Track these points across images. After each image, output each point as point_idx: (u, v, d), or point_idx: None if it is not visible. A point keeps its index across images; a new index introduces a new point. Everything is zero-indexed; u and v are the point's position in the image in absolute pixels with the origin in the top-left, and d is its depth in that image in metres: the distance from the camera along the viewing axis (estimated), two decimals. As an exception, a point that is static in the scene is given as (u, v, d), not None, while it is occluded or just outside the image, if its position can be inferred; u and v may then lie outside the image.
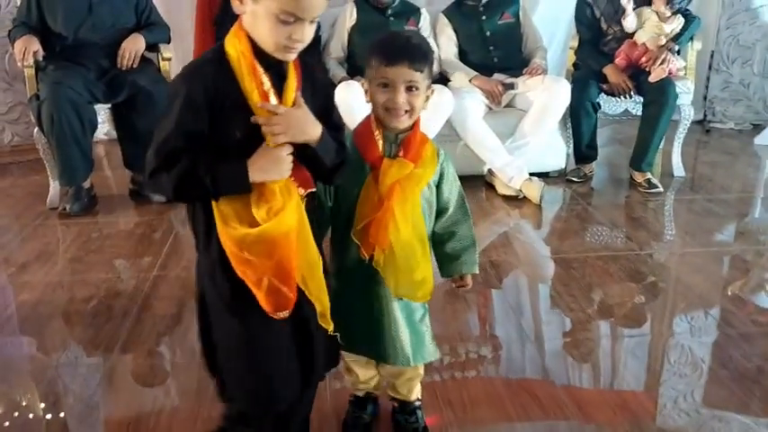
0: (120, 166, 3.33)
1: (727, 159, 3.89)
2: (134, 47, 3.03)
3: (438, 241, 1.41)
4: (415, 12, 3.52)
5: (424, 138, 1.33)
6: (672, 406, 1.66)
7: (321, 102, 1.18)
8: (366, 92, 1.30)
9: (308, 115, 1.12)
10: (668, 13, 3.16)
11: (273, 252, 1.09)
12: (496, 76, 3.37)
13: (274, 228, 1.08)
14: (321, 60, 3.46)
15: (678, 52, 3.29)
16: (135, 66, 3.04)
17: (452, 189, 1.38)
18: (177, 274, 2.44)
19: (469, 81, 3.30)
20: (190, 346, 1.97)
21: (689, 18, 3.22)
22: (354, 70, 3.38)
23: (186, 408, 1.67)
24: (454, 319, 2.13)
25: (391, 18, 3.44)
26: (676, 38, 3.20)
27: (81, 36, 3.00)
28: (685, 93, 3.28)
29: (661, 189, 3.23)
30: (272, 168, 1.09)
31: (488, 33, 3.44)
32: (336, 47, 3.52)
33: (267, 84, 1.09)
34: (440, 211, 1.39)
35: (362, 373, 1.51)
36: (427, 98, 1.30)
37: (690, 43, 3.34)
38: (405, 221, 1.28)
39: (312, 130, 1.12)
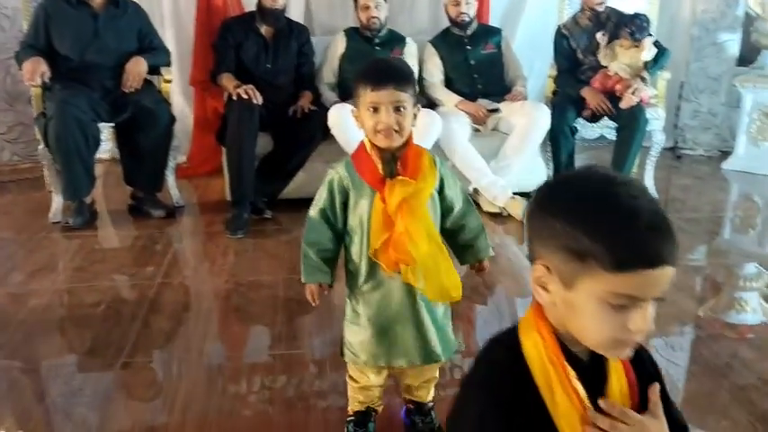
0: (119, 184, 3.45)
1: (698, 183, 4.11)
2: (137, 69, 3.18)
3: (450, 235, 1.52)
4: (401, 41, 3.71)
5: (419, 150, 1.42)
6: None
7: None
8: (356, 118, 1.40)
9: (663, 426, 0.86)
10: (634, 44, 3.38)
11: None
12: (480, 101, 3.58)
13: None
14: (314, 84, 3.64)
15: (644, 80, 3.49)
16: (139, 87, 3.18)
17: (455, 190, 1.49)
18: (180, 281, 2.57)
19: (455, 105, 3.50)
20: (197, 346, 2.09)
21: (660, 49, 3.45)
22: (346, 95, 3.55)
23: (197, 404, 1.79)
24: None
25: (377, 47, 3.63)
26: (647, 67, 3.42)
27: (87, 59, 3.14)
28: (656, 119, 3.50)
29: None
30: None
31: (473, 62, 3.65)
32: (328, 73, 3.71)
33: (581, 390, 0.82)
34: (447, 211, 1.49)
35: (374, 378, 1.56)
36: (414, 116, 1.39)
37: (660, 73, 3.57)
38: (420, 236, 1.36)
39: None
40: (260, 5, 3.41)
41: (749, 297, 2.48)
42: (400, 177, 1.37)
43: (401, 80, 1.35)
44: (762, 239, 3.26)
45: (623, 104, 3.32)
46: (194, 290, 2.50)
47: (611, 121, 3.51)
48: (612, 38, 3.47)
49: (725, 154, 4.57)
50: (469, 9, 3.57)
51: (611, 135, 3.59)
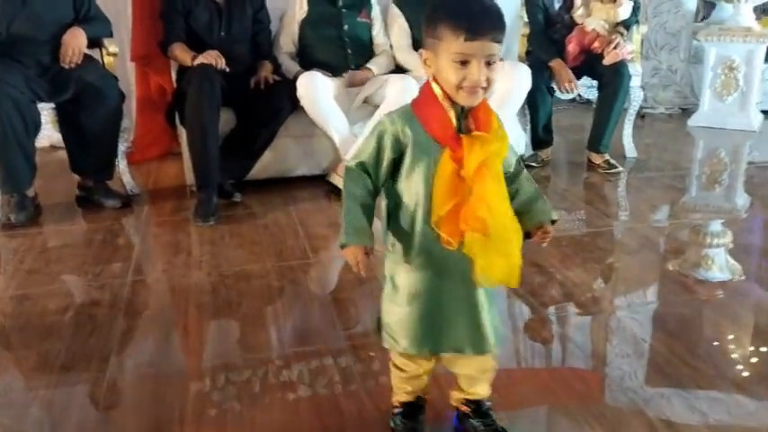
0: (63, 174, 3.07)
1: (668, 141, 4.07)
2: (76, 42, 2.79)
3: None
4: (367, 3, 3.46)
5: (487, 103, 1.21)
6: (617, 385, 1.63)
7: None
8: (425, 62, 1.17)
9: None
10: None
11: None
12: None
13: None
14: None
15: (622, 35, 3.38)
16: (79, 62, 2.81)
17: (512, 151, 1.29)
18: (156, 278, 2.26)
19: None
20: (195, 348, 1.82)
21: (634, 3, 3.34)
22: (307, 64, 3.28)
23: (197, 405, 1.53)
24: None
25: (343, 9, 3.37)
26: (624, 22, 3.31)
27: (15, 31, 2.74)
28: (636, 75, 3.40)
29: (621, 168, 3.33)
30: None
31: (443, 23, 3.44)
32: (287, 41, 3.41)
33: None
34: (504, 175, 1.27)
35: (425, 365, 1.35)
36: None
37: (636, 27, 3.47)
38: (501, 202, 1.17)
39: None
40: (210, -33, 3.07)
41: (715, 254, 2.43)
42: (479, 133, 1.15)
43: (501, 29, 1.12)
44: (729, 195, 3.22)
45: (607, 61, 3.20)
46: (175, 286, 2.20)
47: (590, 79, 3.38)
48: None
49: (685, 111, 4.57)
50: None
51: (588, 94, 3.47)
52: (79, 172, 2.97)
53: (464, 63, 1.11)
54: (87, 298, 2.11)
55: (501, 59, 1.18)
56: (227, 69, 2.89)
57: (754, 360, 1.73)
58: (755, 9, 4.15)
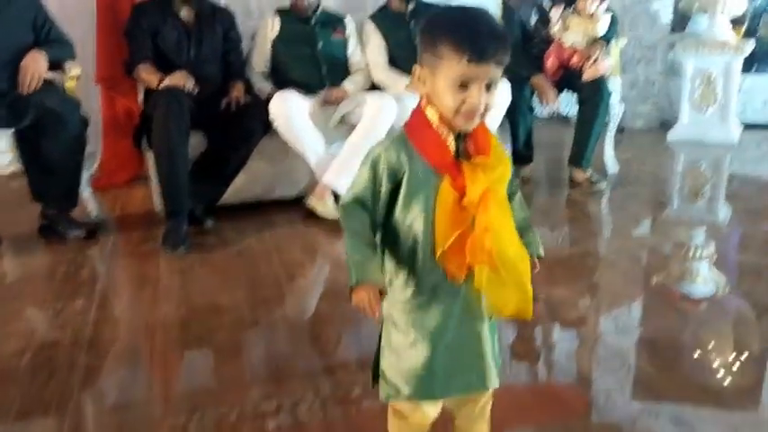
0: (23, 203, 2.92)
1: (648, 155, 4.03)
2: (35, 66, 2.65)
3: None
4: (340, 21, 3.38)
5: (484, 124, 1.12)
6: (604, 402, 1.58)
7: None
8: (418, 79, 1.08)
9: None
10: (592, 10, 3.21)
11: None
12: (430, 82, 3.29)
13: None
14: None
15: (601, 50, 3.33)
16: (38, 87, 2.67)
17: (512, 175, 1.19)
18: (120, 314, 2.13)
19: (405, 87, 3.20)
20: (162, 393, 1.69)
21: (612, 16, 3.29)
22: (281, 82, 3.19)
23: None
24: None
25: (317, 27, 3.28)
26: (603, 37, 3.25)
27: (-30, 55, 2.61)
28: (616, 91, 3.35)
29: (604, 184, 3.26)
30: None
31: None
32: (259, 60, 3.31)
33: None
34: None
35: (431, 410, 1.22)
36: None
37: (614, 41, 3.42)
38: (509, 232, 1.08)
39: None
40: (179, -14, 2.97)
41: (699, 267, 2.39)
42: (482, 158, 1.06)
43: (506, 52, 1.03)
44: (711, 208, 3.17)
45: (586, 76, 3.14)
46: (141, 322, 2.06)
47: (571, 93, 3.32)
48: (563, 6, 3.29)
49: (664, 125, 4.54)
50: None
51: (566, 110, 3.41)
52: (41, 200, 2.82)
53: (464, 86, 1.02)
54: (47, 338, 1.97)
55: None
56: (196, 91, 2.78)
57: (737, 372, 1.69)
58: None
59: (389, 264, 1.15)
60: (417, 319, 1.14)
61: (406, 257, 1.12)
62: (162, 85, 2.74)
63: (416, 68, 1.08)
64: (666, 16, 4.46)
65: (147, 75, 2.88)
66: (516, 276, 1.08)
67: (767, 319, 2.00)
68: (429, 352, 1.13)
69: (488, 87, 1.03)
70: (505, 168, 1.09)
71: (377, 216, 1.12)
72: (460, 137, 1.07)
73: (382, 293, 1.09)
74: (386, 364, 1.19)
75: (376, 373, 1.22)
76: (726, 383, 1.64)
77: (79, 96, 2.90)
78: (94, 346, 1.90)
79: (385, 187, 1.09)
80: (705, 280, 2.27)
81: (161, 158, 2.71)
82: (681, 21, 4.49)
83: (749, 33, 4.34)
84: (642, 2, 4.41)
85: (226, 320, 2.05)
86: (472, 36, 1.01)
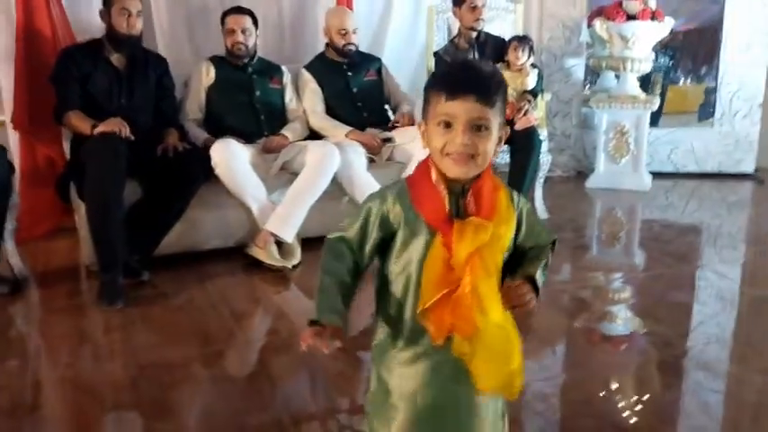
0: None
1: (568, 202, 4.21)
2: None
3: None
4: (277, 70, 3.38)
5: (496, 183, 1.08)
6: None
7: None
8: (422, 135, 1.07)
9: None
10: (520, 64, 3.36)
11: None
12: (369, 131, 3.33)
13: None
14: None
15: (529, 102, 3.49)
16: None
17: (536, 228, 1.15)
18: (61, 375, 1.96)
19: (346, 136, 3.22)
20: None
21: (539, 72, 3.47)
22: (217, 130, 3.13)
23: None
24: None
25: (254, 75, 3.27)
26: (531, 90, 3.41)
27: None
28: (544, 141, 3.50)
29: (538, 231, 3.37)
30: None
31: (355, 90, 3.41)
32: (193, 108, 3.25)
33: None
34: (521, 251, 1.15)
35: None
36: (500, 140, 1.05)
37: (541, 95, 3.60)
38: (493, 300, 1.02)
39: None
40: (112, 32, 2.86)
41: (618, 309, 2.50)
42: (474, 219, 1.03)
43: (488, 90, 1.01)
44: (627, 251, 3.35)
45: (518, 126, 3.26)
46: (86, 383, 1.90)
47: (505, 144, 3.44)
48: (492, 62, 3.43)
49: (580, 174, 4.78)
50: (355, 38, 3.35)
51: (502, 158, 3.53)
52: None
53: (448, 126, 1.01)
54: (-22, 406, 1.78)
55: (505, 129, 1.07)
56: (132, 138, 2.67)
57: (646, 412, 1.73)
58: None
59: (381, 313, 1.13)
60: (404, 374, 1.10)
61: (396, 309, 1.10)
62: (96, 131, 2.61)
63: (421, 124, 1.09)
64: (580, 73, 4.75)
65: (78, 121, 2.74)
66: (501, 349, 1.04)
67: (683, 358, 2.06)
68: (412, 413, 1.09)
69: (478, 129, 1.00)
70: (506, 230, 1.07)
71: (362, 261, 1.10)
72: (464, 192, 1.05)
73: (339, 338, 1.03)
74: (373, 419, 1.15)
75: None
76: (635, 422, 1.68)
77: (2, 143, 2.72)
78: (37, 413, 1.74)
79: (375, 237, 1.08)
80: (624, 321, 2.38)
81: (95, 209, 2.56)
82: (592, 77, 4.81)
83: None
84: (558, 59, 4.69)
85: (179, 377, 1.93)
86: (452, 76, 1.05)
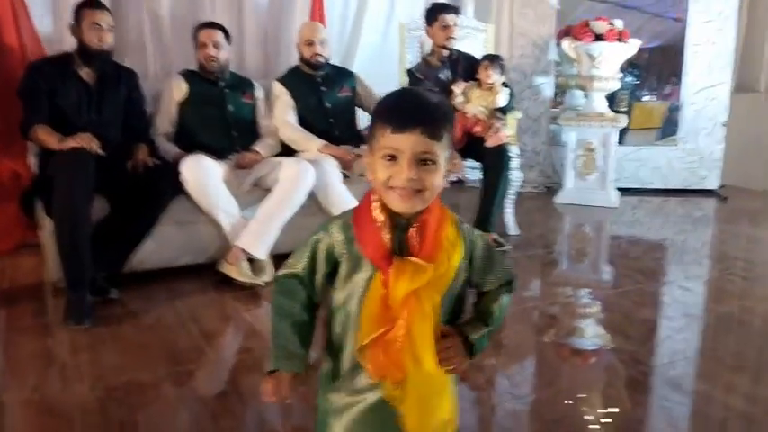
0: None
1: (538, 217, 4.27)
2: None
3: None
4: (249, 84, 3.37)
5: (443, 215, 1.05)
6: None
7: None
8: (367, 166, 1.05)
9: None
10: (490, 82, 3.41)
11: None
12: (342, 147, 3.33)
13: None
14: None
15: (500, 120, 3.53)
16: None
17: (493, 265, 1.11)
18: (28, 397, 1.91)
19: (319, 150, 3.22)
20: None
21: (510, 90, 3.52)
22: (188, 146, 3.10)
23: None
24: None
25: (226, 90, 3.25)
26: (502, 108, 3.46)
27: None
28: (515, 158, 3.55)
29: (509, 246, 3.41)
30: None
31: (329, 105, 3.42)
32: (164, 123, 3.22)
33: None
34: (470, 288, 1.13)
35: None
36: (448, 172, 1.02)
37: (511, 113, 3.64)
38: (426, 346, 1.00)
39: None
40: (83, 46, 2.83)
41: (587, 325, 2.53)
42: (413, 259, 0.99)
43: (433, 122, 0.97)
44: (595, 267, 3.40)
45: (490, 143, 3.30)
46: (52, 405, 1.85)
47: (474, 161, 3.48)
48: (463, 80, 3.48)
49: (550, 189, 4.85)
50: (324, 50, 3.35)
51: (474, 175, 3.57)
52: None
53: (393, 158, 0.98)
54: (-61, 430, 1.73)
55: (457, 162, 1.09)
56: (102, 153, 2.64)
57: (609, 424, 1.76)
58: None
59: (327, 344, 1.11)
60: (338, 410, 1.08)
61: (338, 342, 1.08)
62: (66, 146, 2.57)
63: (366, 154, 1.06)
64: (549, 91, 4.84)
65: (46, 136, 2.69)
66: (431, 395, 1.04)
67: (650, 375, 2.09)
68: None
69: (425, 163, 0.98)
70: (449, 269, 1.03)
71: (315, 294, 1.08)
72: (406, 228, 1.02)
73: (301, 381, 1.05)
74: None
75: None
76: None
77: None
78: (2, 436, 1.69)
79: (323, 271, 1.07)
80: (591, 336, 2.41)
81: (63, 225, 2.52)
82: (561, 95, 4.90)
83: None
84: (528, 77, 4.76)
85: (149, 398, 1.90)
86: (396, 108, 1.01)
